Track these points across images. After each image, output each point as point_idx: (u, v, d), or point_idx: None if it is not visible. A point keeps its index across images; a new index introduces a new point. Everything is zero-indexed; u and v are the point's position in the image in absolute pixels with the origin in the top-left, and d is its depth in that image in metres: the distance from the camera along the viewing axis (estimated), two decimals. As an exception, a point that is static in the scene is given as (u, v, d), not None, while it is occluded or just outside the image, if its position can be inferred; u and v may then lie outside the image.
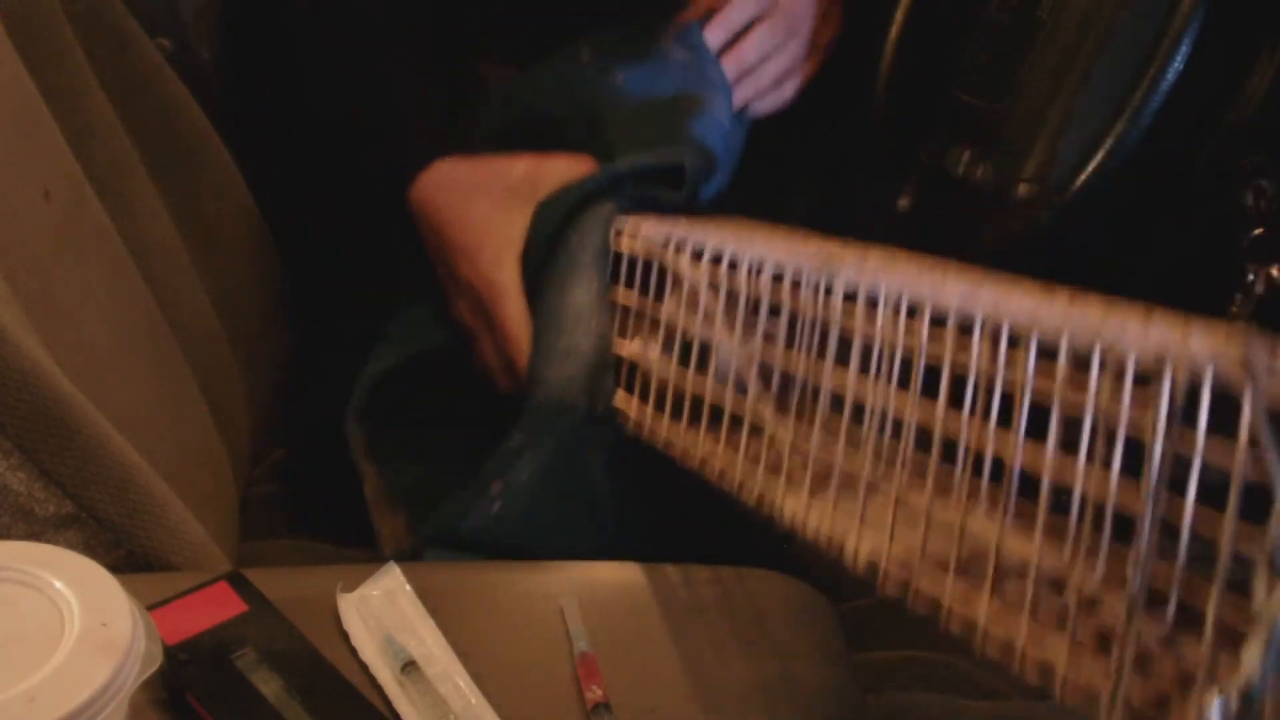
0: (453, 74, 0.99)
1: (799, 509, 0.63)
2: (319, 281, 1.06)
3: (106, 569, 0.54)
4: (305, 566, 0.92)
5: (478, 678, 0.63)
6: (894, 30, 0.92)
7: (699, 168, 0.86)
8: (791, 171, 1.04)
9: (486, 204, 0.86)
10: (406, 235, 0.90)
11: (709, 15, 0.94)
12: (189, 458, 0.85)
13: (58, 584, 0.52)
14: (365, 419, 0.89)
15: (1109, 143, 0.76)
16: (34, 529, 0.65)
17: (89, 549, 0.65)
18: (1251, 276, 0.79)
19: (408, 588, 0.67)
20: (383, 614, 0.66)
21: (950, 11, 0.90)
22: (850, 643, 0.72)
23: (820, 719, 0.67)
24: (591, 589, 0.70)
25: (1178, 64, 0.74)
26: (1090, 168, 0.77)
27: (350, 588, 0.67)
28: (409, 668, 0.62)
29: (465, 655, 0.64)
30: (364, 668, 0.63)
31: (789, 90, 0.97)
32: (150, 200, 0.91)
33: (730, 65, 0.93)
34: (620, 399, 0.77)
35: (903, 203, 0.91)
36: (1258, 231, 0.79)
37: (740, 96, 0.95)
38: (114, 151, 0.87)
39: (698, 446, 0.71)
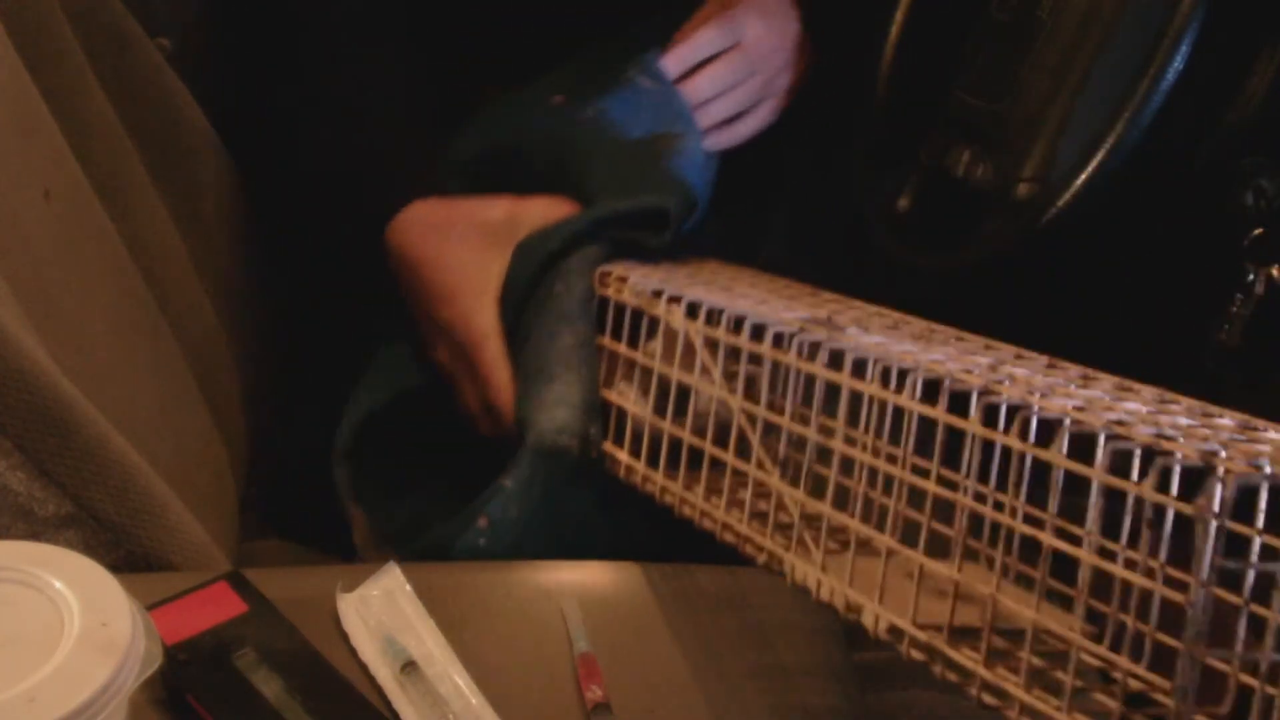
0: (449, 93, 0.99)
1: (810, 573, 0.62)
2: (317, 281, 1.06)
3: (106, 569, 0.54)
4: (305, 566, 0.92)
5: (478, 678, 0.62)
6: (894, 30, 0.92)
7: (681, 208, 0.85)
8: (768, 195, 1.03)
9: (464, 246, 0.86)
10: (387, 271, 0.90)
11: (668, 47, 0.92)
12: (189, 458, 0.85)
13: (58, 584, 0.52)
14: (351, 460, 0.88)
15: (1109, 143, 0.76)
16: (34, 529, 0.64)
17: (89, 549, 0.65)
18: (1251, 276, 0.79)
19: (408, 588, 0.67)
20: (383, 614, 0.65)
21: (950, 11, 0.90)
22: (850, 642, 0.72)
23: (819, 718, 0.67)
24: (591, 589, 0.70)
25: (1178, 64, 0.74)
26: (1090, 168, 0.77)
27: (350, 588, 0.67)
28: (408, 668, 0.62)
29: (465, 655, 0.64)
30: (364, 668, 0.63)
31: (741, 130, 0.94)
32: (150, 200, 0.90)
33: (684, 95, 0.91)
34: (609, 447, 0.77)
35: (903, 203, 0.91)
36: (1258, 231, 0.79)
37: None
38: (114, 151, 0.87)
39: (696, 500, 0.70)
